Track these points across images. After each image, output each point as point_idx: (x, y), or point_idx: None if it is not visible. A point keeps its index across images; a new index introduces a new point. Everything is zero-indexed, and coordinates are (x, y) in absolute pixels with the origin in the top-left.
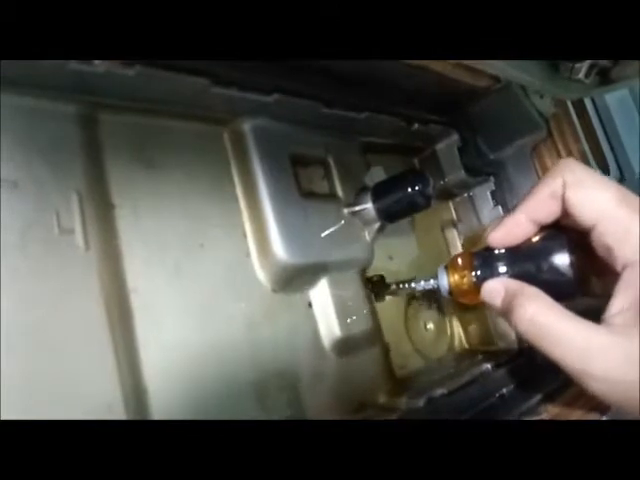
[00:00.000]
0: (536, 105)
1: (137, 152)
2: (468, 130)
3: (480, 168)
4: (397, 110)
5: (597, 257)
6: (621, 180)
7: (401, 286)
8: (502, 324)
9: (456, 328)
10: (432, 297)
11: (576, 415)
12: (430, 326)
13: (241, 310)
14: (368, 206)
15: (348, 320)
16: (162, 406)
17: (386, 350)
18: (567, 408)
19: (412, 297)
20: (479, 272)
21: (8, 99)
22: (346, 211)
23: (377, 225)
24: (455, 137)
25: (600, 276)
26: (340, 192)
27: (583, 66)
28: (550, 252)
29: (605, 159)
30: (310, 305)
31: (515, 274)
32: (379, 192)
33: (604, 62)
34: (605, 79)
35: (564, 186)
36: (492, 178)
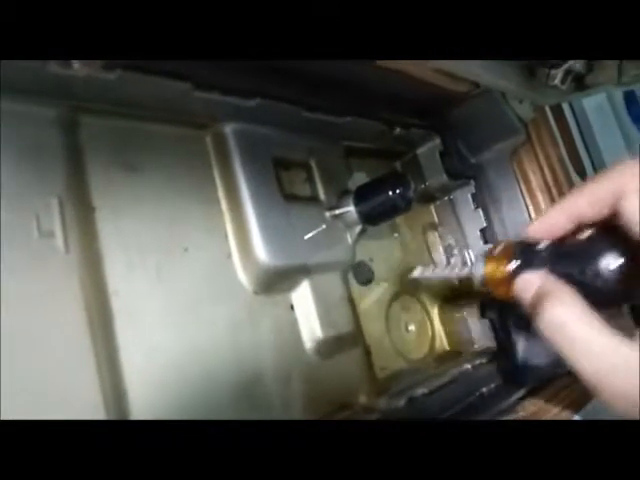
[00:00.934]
0: (515, 110)
1: (118, 155)
2: (449, 134)
3: (461, 171)
4: (379, 114)
5: None
6: None
7: (433, 270)
8: (480, 327)
9: (437, 329)
10: (415, 297)
11: (551, 412)
12: (411, 327)
13: (223, 312)
14: (350, 209)
15: (330, 322)
16: (143, 408)
17: (367, 351)
18: (543, 406)
19: (394, 299)
20: (518, 262)
21: None
22: (328, 214)
23: (359, 228)
24: (437, 141)
25: None
26: (322, 195)
27: (559, 72)
28: (598, 255)
29: (582, 163)
30: (292, 307)
31: (556, 271)
32: (361, 195)
33: (579, 69)
34: (580, 85)
35: (622, 192)
36: (472, 181)
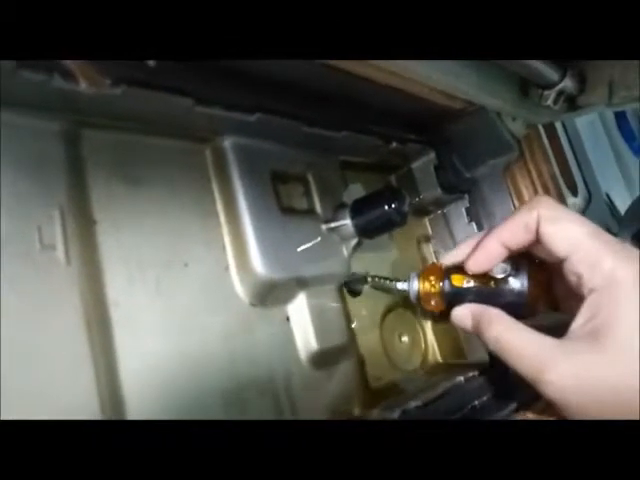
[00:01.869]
0: (509, 127)
1: (119, 169)
2: (444, 149)
3: (455, 186)
4: (375, 129)
5: (557, 284)
6: (588, 199)
7: (376, 280)
8: (472, 338)
9: (430, 341)
10: (408, 309)
11: None
12: (405, 339)
13: (220, 323)
14: (346, 222)
15: (325, 333)
16: (139, 417)
17: (361, 362)
18: (537, 419)
19: (388, 310)
20: (446, 290)
21: None
22: (324, 227)
23: (354, 241)
24: (432, 155)
25: (556, 303)
26: (319, 208)
27: (551, 93)
28: (506, 282)
29: (574, 179)
30: (288, 319)
31: (475, 298)
32: (357, 209)
33: (571, 89)
34: (572, 105)
35: (539, 219)
36: (467, 196)
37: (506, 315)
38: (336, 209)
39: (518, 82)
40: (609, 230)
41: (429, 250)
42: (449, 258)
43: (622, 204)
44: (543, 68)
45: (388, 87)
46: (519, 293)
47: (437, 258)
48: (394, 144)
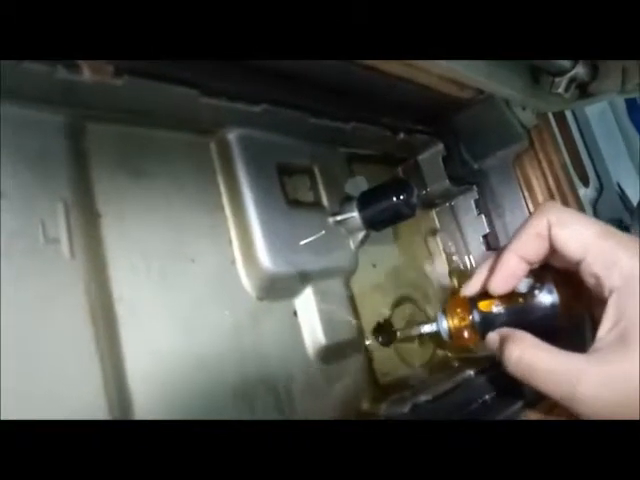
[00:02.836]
0: (518, 117)
1: (123, 161)
2: (452, 140)
3: (464, 177)
4: (383, 120)
5: (585, 291)
6: (600, 190)
7: (406, 332)
8: None
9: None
10: (416, 303)
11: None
12: None
13: (226, 317)
14: (354, 215)
15: (333, 328)
16: (146, 413)
17: (370, 357)
18: (547, 414)
19: (396, 305)
20: (477, 320)
21: None
22: (331, 220)
23: (362, 234)
24: (440, 147)
25: (590, 309)
26: (325, 201)
27: (563, 80)
28: (535, 295)
29: (585, 169)
30: (295, 313)
31: (508, 319)
32: (365, 201)
33: (583, 76)
34: (584, 93)
35: (549, 226)
36: (476, 187)
37: (530, 335)
38: (343, 201)
39: (529, 69)
40: (621, 221)
41: (436, 243)
42: (470, 288)
43: (634, 194)
44: None
45: (396, 77)
46: (551, 303)
47: (446, 251)
48: (402, 135)
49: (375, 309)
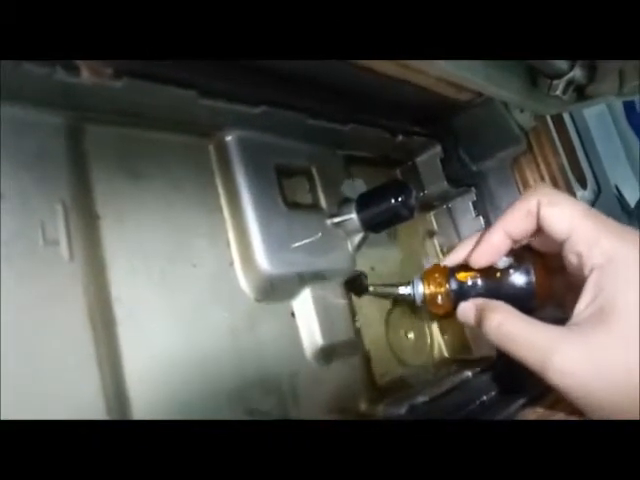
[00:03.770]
0: (517, 119)
1: (122, 163)
2: (451, 142)
3: (462, 179)
4: (381, 122)
5: (563, 278)
6: (598, 192)
7: (379, 289)
8: (479, 334)
9: (436, 337)
10: (413, 306)
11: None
12: (411, 335)
13: (224, 319)
14: (352, 216)
15: (330, 329)
16: (144, 413)
17: (367, 358)
18: (546, 414)
19: (393, 305)
20: (453, 288)
21: None
22: (329, 222)
23: (360, 235)
24: (438, 149)
25: (565, 298)
26: (323, 203)
27: (560, 83)
28: (512, 272)
29: (582, 172)
30: (293, 314)
31: (483, 292)
32: (363, 203)
33: (580, 79)
34: (581, 95)
35: (539, 205)
36: (473, 189)
37: (508, 305)
38: (341, 203)
39: (526, 72)
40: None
41: (434, 245)
42: (452, 258)
43: (632, 197)
44: None
45: (394, 79)
46: (527, 283)
47: (443, 253)
48: (400, 137)
49: (373, 311)
